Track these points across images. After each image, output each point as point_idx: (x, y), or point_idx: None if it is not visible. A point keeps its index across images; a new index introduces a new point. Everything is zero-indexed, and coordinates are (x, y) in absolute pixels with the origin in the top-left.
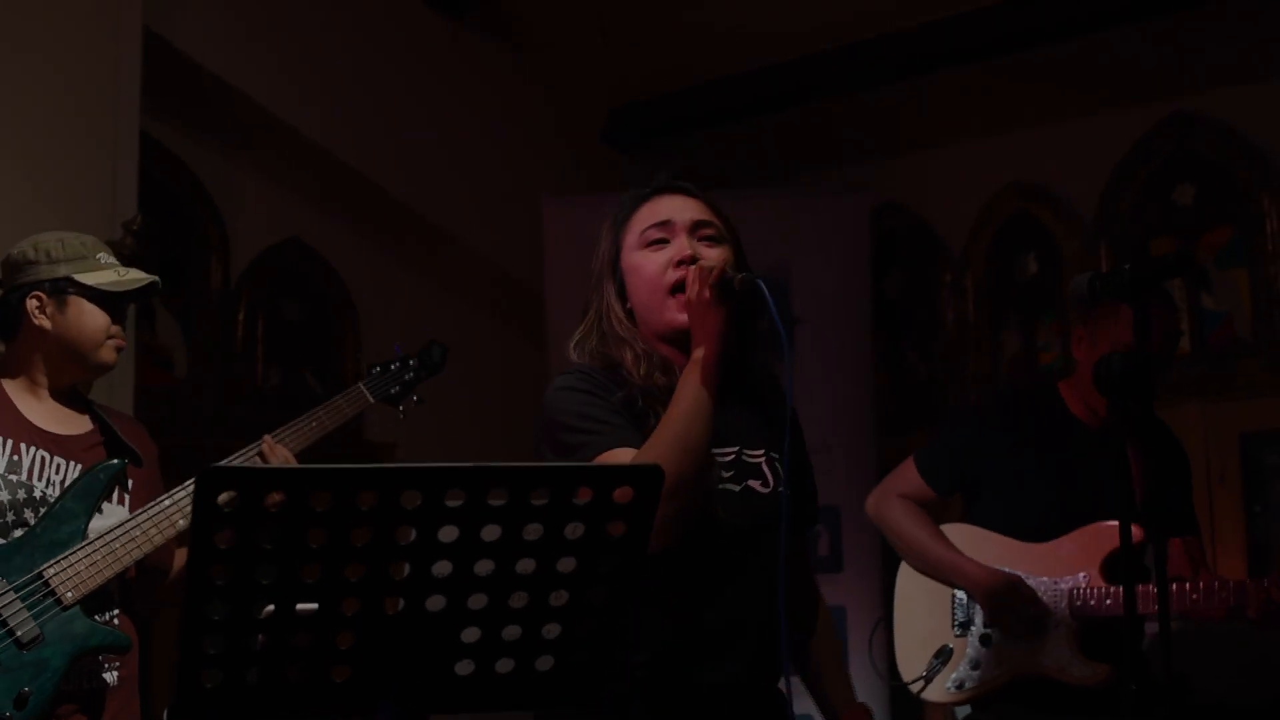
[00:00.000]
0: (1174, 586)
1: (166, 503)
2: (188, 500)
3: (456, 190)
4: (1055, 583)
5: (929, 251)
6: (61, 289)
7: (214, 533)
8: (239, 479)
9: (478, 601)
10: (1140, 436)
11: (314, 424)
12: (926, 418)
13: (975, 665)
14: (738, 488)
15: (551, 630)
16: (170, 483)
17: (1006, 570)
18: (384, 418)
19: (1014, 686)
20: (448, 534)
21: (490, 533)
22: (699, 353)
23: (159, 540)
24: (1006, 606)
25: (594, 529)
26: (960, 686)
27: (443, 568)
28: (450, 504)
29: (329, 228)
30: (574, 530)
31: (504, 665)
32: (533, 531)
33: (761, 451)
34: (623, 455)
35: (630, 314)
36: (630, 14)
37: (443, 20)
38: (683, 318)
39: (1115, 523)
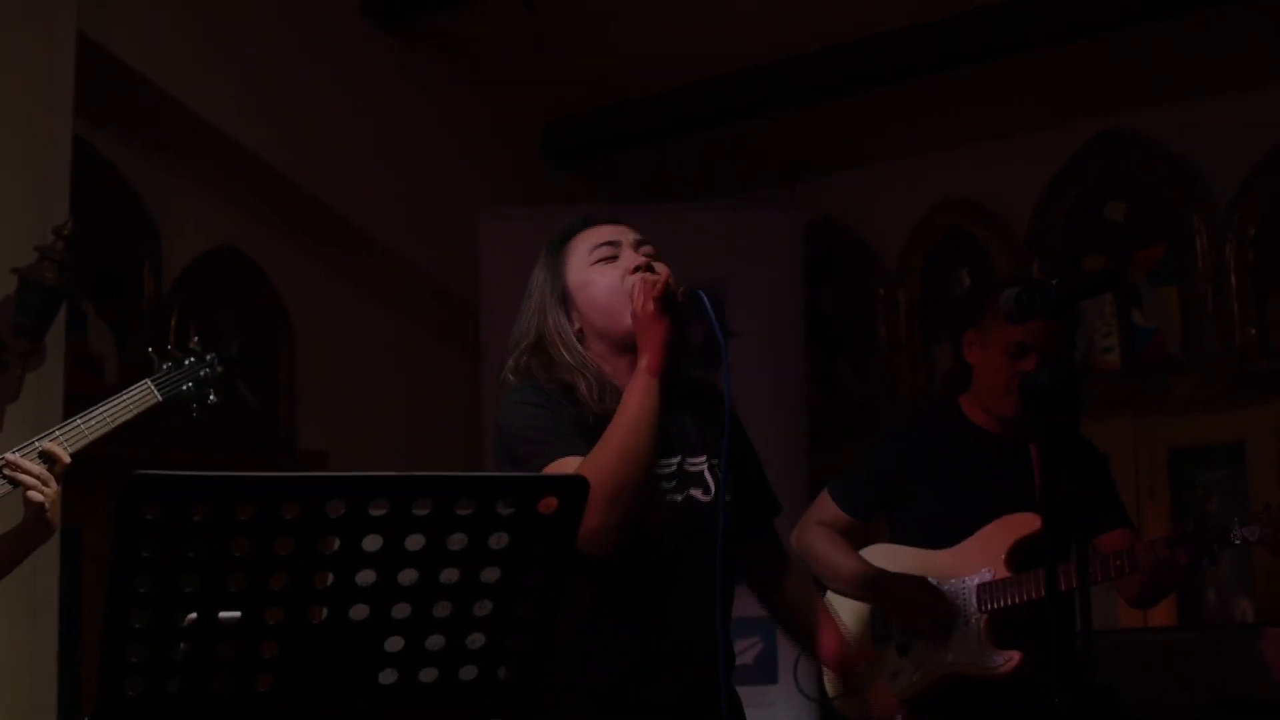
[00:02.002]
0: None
1: None
2: None
3: (392, 200)
4: (962, 581)
5: (863, 267)
6: None
7: (137, 540)
8: (164, 488)
9: (401, 611)
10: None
11: (94, 422)
12: (860, 433)
13: (895, 675)
14: (680, 497)
15: (475, 640)
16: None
17: (909, 574)
18: (316, 426)
19: (934, 691)
20: (372, 543)
21: (414, 542)
22: (643, 362)
23: None
24: (912, 607)
25: (518, 539)
26: None
27: (366, 576)
28: (374, 513)
29: (263, 236)
30: (498, 540)
31: (428, 674)
32: (457, 541)
33: (703, 459)
34: (570, 464)
35: (580, 336)
36: (567, 29)
37: (381, 33)
38: None
39: (1016, 515)
